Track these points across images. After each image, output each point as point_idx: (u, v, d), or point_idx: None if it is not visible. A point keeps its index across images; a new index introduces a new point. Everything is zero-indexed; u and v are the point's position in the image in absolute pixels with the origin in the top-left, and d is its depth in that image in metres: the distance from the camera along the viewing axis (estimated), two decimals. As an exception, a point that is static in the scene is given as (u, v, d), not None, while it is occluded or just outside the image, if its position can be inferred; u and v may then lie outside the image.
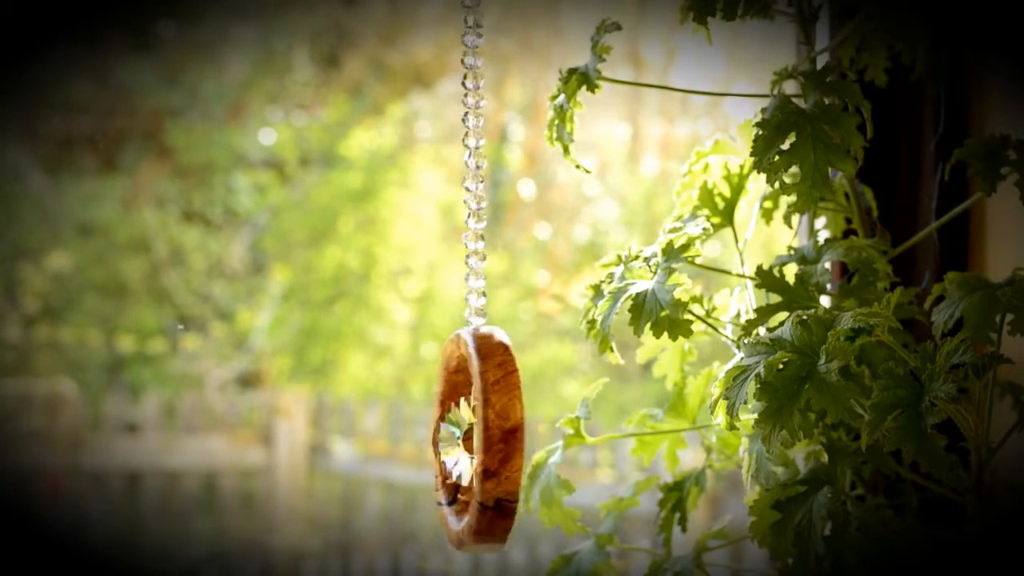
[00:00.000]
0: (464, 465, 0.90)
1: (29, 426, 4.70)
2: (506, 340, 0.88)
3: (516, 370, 0.87)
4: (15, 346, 5.18)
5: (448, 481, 0.92)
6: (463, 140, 0.92)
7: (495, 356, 0.87)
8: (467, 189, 0.92)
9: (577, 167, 1.03)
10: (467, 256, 0.93)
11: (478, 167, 0.93)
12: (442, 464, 0.92)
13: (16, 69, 4.75)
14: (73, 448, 4.68)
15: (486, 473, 0.85)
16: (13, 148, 5.14)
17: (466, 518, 0.89)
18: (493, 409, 0.85)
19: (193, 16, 5.38)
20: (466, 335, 0.88)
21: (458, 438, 0.91)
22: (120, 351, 5.33)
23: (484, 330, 0.89)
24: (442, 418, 0.93)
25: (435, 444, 0.93)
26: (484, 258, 0.93)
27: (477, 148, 0.92)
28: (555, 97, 1.02)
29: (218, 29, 5.40)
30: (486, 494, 0.85)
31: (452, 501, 0.92)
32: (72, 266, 5.33)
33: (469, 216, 0.93)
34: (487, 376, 0.86)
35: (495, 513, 0.85)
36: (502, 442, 0.85)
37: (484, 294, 0.93)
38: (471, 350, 0.87)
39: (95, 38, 5.21)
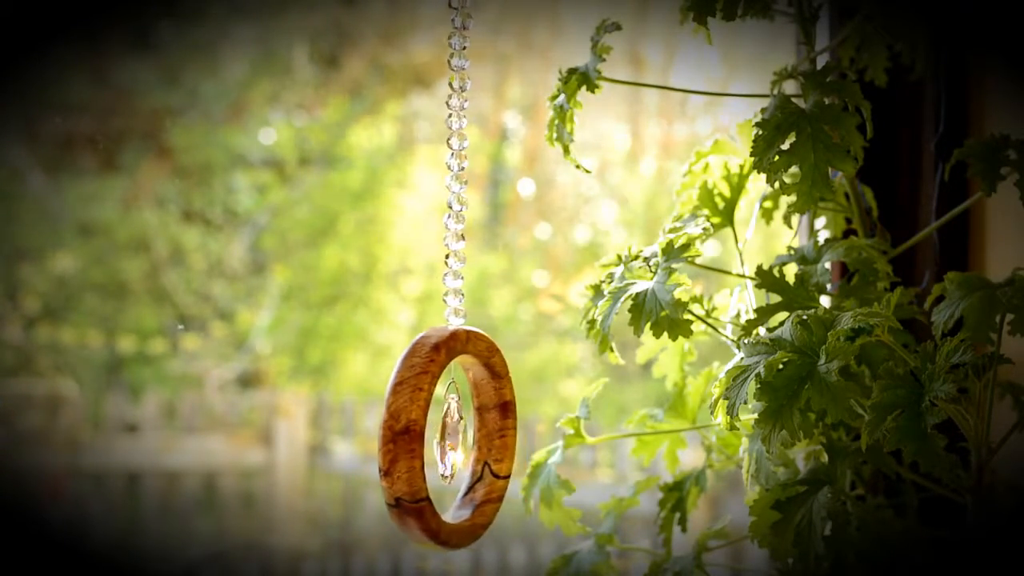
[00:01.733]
0: (451, 461, 0.92)
1: (29, 426, 4.71)
2: (439, 342, 0.88)
3: (427, 372, 0.87)
4: (16, 346, 5.18)
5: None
6: (447, 141, 0.93)
7: (414, 357, 0.87)
8: (450, 189, 0.93)
9: (577, 167, 1.03)
10: (447, 256, 0.93)
11: (461, 168, 0.93)
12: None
13: (16, 69, 4.75)
14: (73, 448, 4.68)
15: (380, 472, 0.86)
16: (13, 148, 5.14)
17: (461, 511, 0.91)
18: (388, 410, 0.86)
19: (193, 16, 5.38)
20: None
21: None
22: (120, 351, 5.33)
23: (433, 331, 0.90)
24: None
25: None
26: (464, 259, 0.93)
27: (461, 149, 0.93)
28: (555, 97, 1.02)
29: (218, 29, 5.40)
30: (385, 493, 0.87)
31: (463, 494, 0.93)
32: (73, 266, 5.34)
33: (449, 216, 0.93)
34: (397, 376, 0.87)
35: (400, 511, 0.87)
36: (391, 442, 0.85)
37: (462, 294, 0.93)
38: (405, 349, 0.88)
39: (95, 38, 5.21)
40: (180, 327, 5.36)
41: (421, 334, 0.89)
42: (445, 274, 0.93)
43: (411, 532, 0.88)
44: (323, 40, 5.55)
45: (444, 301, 0.93)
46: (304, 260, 5.50)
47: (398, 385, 0.86)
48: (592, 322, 0.99)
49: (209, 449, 4.86)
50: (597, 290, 1.00)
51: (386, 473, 0.86)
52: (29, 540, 4.08)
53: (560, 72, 1.02)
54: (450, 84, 0.92)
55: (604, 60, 1.00)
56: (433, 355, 0.87)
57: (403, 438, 0.85)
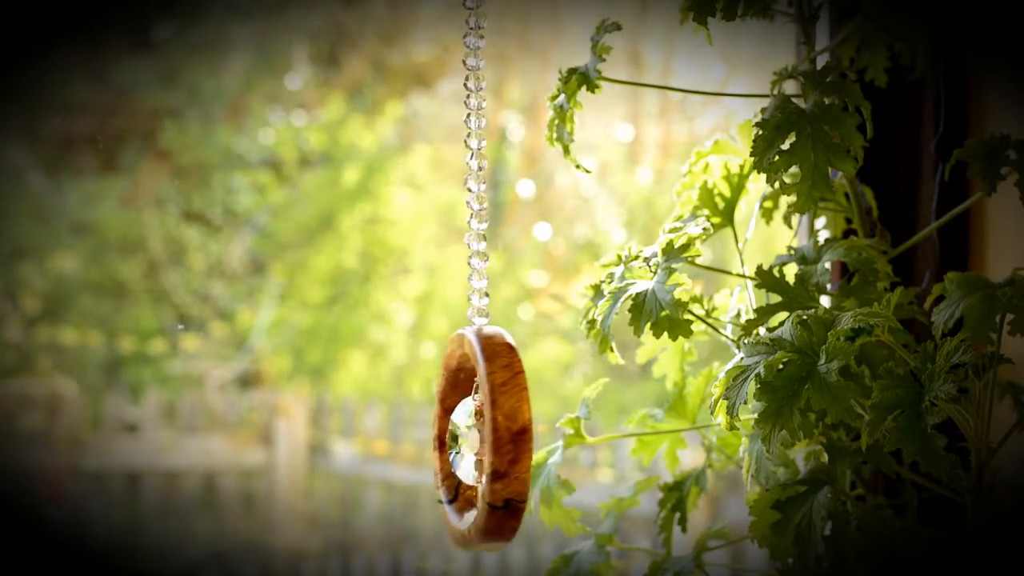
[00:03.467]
0: (468, 464, 0.90)
1: (29, 426, 4.70)
2: (511, 341, 0.88)
3: (522, 371, 0.87)
4: (15, 346, 5.18)
5: (448, 479, 0.92)
6: (465, 141, 0.92)
7: (501, 357, 0.86)
8: (469, 190, 0.92)
9: (577, 167, 1.03)
10: (470, 256, 0.93)
11: (480, 168, 0.93)
12: (444, 462, 0.93)
13: (16, 69, 4.75)
14: (73, 448, 4.68)
15: (495, 474, 0.85)
16: (13, 148, 5.14)
17: (470, 516, 0.89)
18: (501, 411, 0.85)
19: (192, 16, 5.38)
20: (470, 335, 0.88)
21: (463, 436, 0.92)
22: (120, 351, 5.33)
23: (488, 330, 0.89)
24: (442, 416, 0.93)
25: (440, 441, 0.94)
26: (486, 258, 0.93)
27: (479, 149, 0.92)
28: (555, 97, 1.02)
29: (217, 29, 5.40)
30: (495, 495, 0.85)
31: (453, 499, 0.92)
32: (72, 266, 5.34)
33: (471, 217, 0.93)
34: (494, 378, 0.86)
35: (504, 513, 0.86)
36: (511, 443, 0.85)
37: (487, 294, 0.93)
38: (476, 351, 0.87)
39: (95, 38, 5.21)
40: (180, 327, 5.36)
41: (485, 334, 0.88)
42: (470, 275, 0.93)
43: (502, 535, 0.87)
44: (323, 40, 5.54)
45: (469, 300, 0.93)
46: (303, 260, 5.50)
47: (503, 386, 0.85)
48: (592, 322, 0.99)
49: (209, 449, 4.86)
50: (597, 290, 1.00)
51: (503, 475, 0.85)
52: (29, 540, 4.08)
53: (560, 72, 1.02)
54: (465, 84, 0.92)
55: (604, 60, 1.00)
56: (515, 354, 0.87)
57: (522, 438, 0.85)
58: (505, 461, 0.85)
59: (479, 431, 0.90)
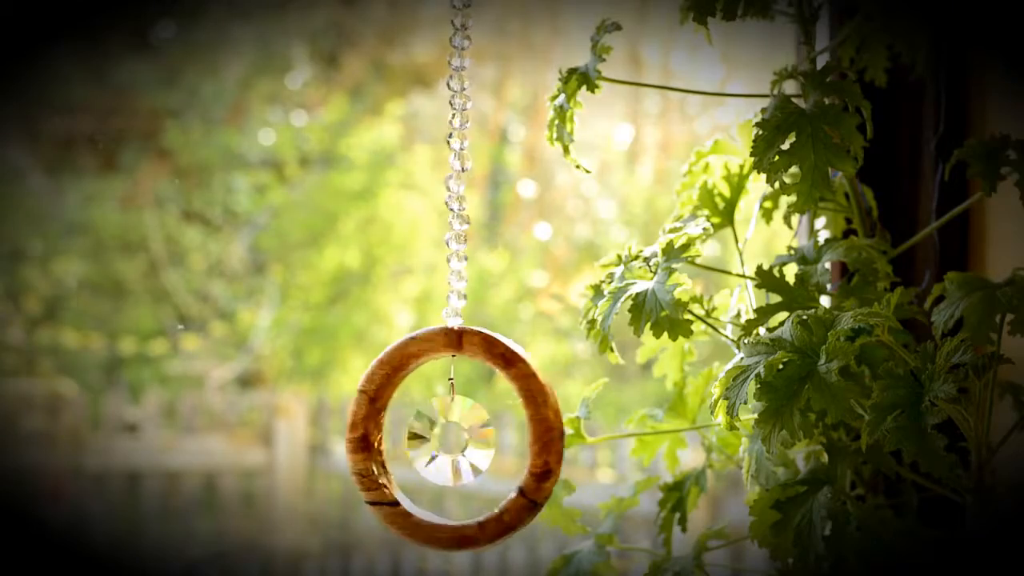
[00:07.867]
0: (444, 464, 0.91)
1: (30, 426, 4.71)
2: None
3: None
4: (17, 348, 5.18)
5: (370, 479, 0.92)
6: (447, 141, 0.93)
7: (526, 361, 0.90)
8: (450, 190, 0.92)
9: (577, 167, 1.03)
10: (449, 257, 0.93)
11: (462, 168, 0.93)
12: (369, 462, 0.92)
13: (16, 69, 4.75)
14: (73, 448, 4.68)
15: (548, 474, 0.88)
16: (13, 148, 5.14)
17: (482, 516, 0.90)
18: (552, 409, 0.88)
19: (193, 16, 5.38)
20: (501, 337, 0.90)
21: (443, 434, 0.92)
22: (120, 351, 5.33)
23: (495, 334, 0.91)
24: (373, 413, 0.92)
25: (364, 442, 0.93)
26: (465, 259, 0.93)
27: (462, 149, 0.93)
28: (555, 97, 1.02)
29: (218, 29, 5.39)
30: (543, 492, 0.88)
31: (379, 501, 0.92)
32: (73, 268, 5.34)
33: (452, 217, 0.93)
34: (541, 378, 0.89)
35: (534, 511, 0.89)
36: (560, 441, 0.89)
37: (465, 296, 0.93)
38: (514, 351, 0.89)
39: (95, 38, 5.21)
40: (180, 327, 5.36)
41: (500, 339, 0.90)
42: (449, 275, 0.93)
43: (516, 531, 0.90)
44: (323, 40, 5.54)
45: (447, 301, 0.93)
46: (304, 260, 5.49)
47: (547, 386, 0.91)
48: (592, 322, 0.99)
49: (209, 449, 4.86)
50: (597, 290, 1.00)
51: (552, 473, 0.90)
52: (29, 540, 4.08)
53: (560, 72, 1.02)
54: (448, 85, 0.92)
55: (604, 60, 1.00)
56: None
57: (562, 438, 0.91)
58: (556, 459, 0.89)
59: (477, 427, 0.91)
